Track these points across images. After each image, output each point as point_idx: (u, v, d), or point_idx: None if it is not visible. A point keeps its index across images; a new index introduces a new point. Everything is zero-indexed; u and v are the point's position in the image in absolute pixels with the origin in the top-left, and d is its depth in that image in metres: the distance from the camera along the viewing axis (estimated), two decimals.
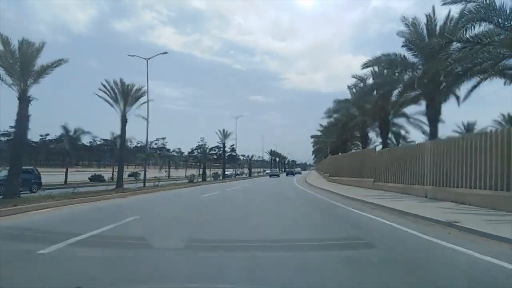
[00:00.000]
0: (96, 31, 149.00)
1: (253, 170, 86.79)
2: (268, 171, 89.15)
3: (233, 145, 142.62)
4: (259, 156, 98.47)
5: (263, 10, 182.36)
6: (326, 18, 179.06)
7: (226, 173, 50.75)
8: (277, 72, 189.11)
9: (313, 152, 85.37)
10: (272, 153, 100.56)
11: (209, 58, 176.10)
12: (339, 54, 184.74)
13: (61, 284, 3.71)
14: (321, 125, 57.00)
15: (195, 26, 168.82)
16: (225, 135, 44.43)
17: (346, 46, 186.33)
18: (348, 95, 31.62)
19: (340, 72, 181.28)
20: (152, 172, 64.82)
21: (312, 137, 59.23)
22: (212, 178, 40.60)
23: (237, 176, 56.27)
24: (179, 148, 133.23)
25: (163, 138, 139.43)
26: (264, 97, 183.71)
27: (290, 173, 76.04)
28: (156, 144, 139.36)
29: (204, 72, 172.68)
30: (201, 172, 54.78)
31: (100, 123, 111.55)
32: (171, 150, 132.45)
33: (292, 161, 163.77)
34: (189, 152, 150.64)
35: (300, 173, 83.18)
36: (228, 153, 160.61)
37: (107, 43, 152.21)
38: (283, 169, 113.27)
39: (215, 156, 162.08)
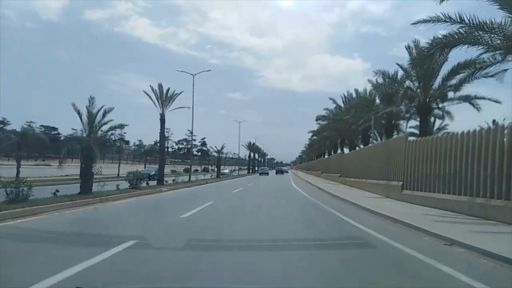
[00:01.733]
0: (67, 18, 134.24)
1: (229, 168, 65.07)
2: (233, 170, 68.98)
3: (204, 138, 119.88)
4: (234, 153, 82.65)
5: (241, 5, 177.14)
6: (304, 17, 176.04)
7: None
8: (254, 69, 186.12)
9: (310, 145, 64.06)
10: (251, 147, 78.20)
11: (185, 51, 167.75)
12: (316, 54, 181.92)
13: None
14: (334, 100, 35.75)
15: (171, 18, 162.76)
16: (165, 96, 22.06)
17: (323, 46, 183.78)
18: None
19: (317, 71, 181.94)
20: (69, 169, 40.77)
21: (317, 119, 37.71)
22: (129, 185, 18.14)
23: (197, 178, 33.96)
24: (140, 141, 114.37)
25: (121, 127, 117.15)
26: (241, 94, 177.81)
27: (279, 172, 73.52)
28: (113, 134, 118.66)
29: (180, 66, 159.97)
30: (141, 169, 32.32)
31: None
32: (130, 143, 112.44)
33: (271, 159, 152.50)
34: (151, 145, 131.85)
35: (288, 172, 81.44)
36: (198, 148, 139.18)
37: (78, 32, 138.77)
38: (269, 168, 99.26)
39: (185, 150, 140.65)
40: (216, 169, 44.44)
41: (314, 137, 56.98)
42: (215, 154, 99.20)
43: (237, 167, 77.16)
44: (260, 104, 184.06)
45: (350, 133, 30.21)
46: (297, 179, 43.01)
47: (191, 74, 29.50)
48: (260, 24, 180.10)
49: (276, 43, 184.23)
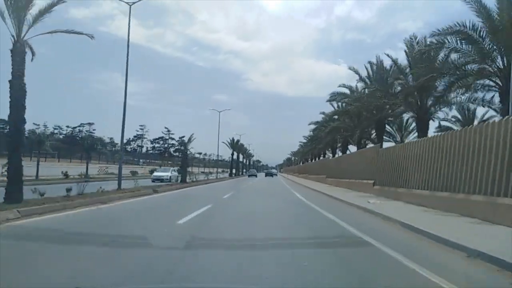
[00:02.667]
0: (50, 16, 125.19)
1: (208, 170, 52.33)
2: (208, 173, 57.26)
3: (183, 137, 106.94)
4: (220, 156, 72.77)
5: (228, 9, 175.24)
6: (290, 22, 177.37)
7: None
8: (240, 72, 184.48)
9: (311, 140, 51.65)
10: (234, 145, 65.08)
11: (171, 53, 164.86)
12: (302, 58, 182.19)
13: None
14: (356, 71, 23.50)
15: (158, 19, 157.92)
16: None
17: (309, 51, 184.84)
18: None
19: (303, 76, 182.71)
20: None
21: (330, 100, 25.57)
22: None
23: (137, 185, 21.23)
24: (111, 138, 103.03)
25: (90, 124, 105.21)
26: (227, 96, 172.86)
27: (269, 174, 74.60)
28: (80, 130, 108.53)
29: (166, 68, 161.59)
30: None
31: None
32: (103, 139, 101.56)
33: (257, 161, 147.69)
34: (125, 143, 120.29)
35: (277, 175, 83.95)
36: (176, 147, 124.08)
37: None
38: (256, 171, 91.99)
39: (162, 149, 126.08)
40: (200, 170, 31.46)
41: (311, 133, 44.70)
42: (197, 155, 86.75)
43: (219, 170, 63.85)
44: (246, 107, 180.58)
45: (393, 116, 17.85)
46: (298, 187, 30.46)
47: (127, 3, 17.00)
48: (247, 28, 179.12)
49: (262, 47, 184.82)
